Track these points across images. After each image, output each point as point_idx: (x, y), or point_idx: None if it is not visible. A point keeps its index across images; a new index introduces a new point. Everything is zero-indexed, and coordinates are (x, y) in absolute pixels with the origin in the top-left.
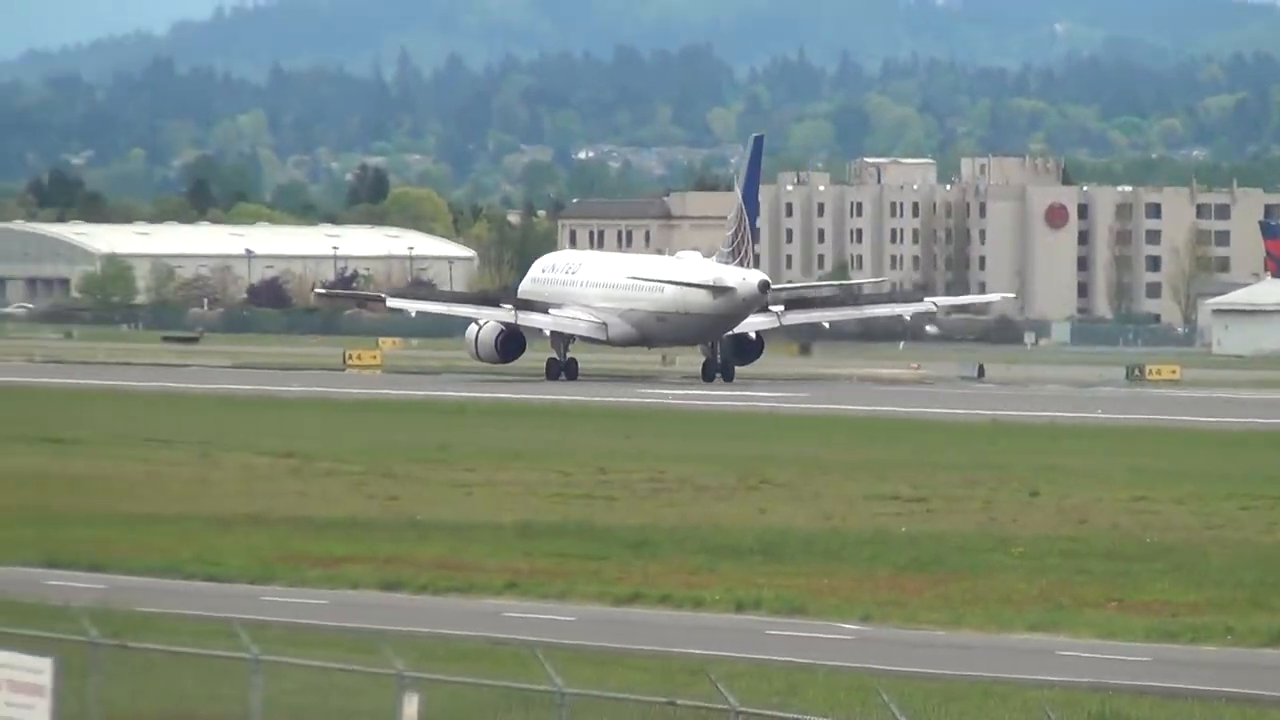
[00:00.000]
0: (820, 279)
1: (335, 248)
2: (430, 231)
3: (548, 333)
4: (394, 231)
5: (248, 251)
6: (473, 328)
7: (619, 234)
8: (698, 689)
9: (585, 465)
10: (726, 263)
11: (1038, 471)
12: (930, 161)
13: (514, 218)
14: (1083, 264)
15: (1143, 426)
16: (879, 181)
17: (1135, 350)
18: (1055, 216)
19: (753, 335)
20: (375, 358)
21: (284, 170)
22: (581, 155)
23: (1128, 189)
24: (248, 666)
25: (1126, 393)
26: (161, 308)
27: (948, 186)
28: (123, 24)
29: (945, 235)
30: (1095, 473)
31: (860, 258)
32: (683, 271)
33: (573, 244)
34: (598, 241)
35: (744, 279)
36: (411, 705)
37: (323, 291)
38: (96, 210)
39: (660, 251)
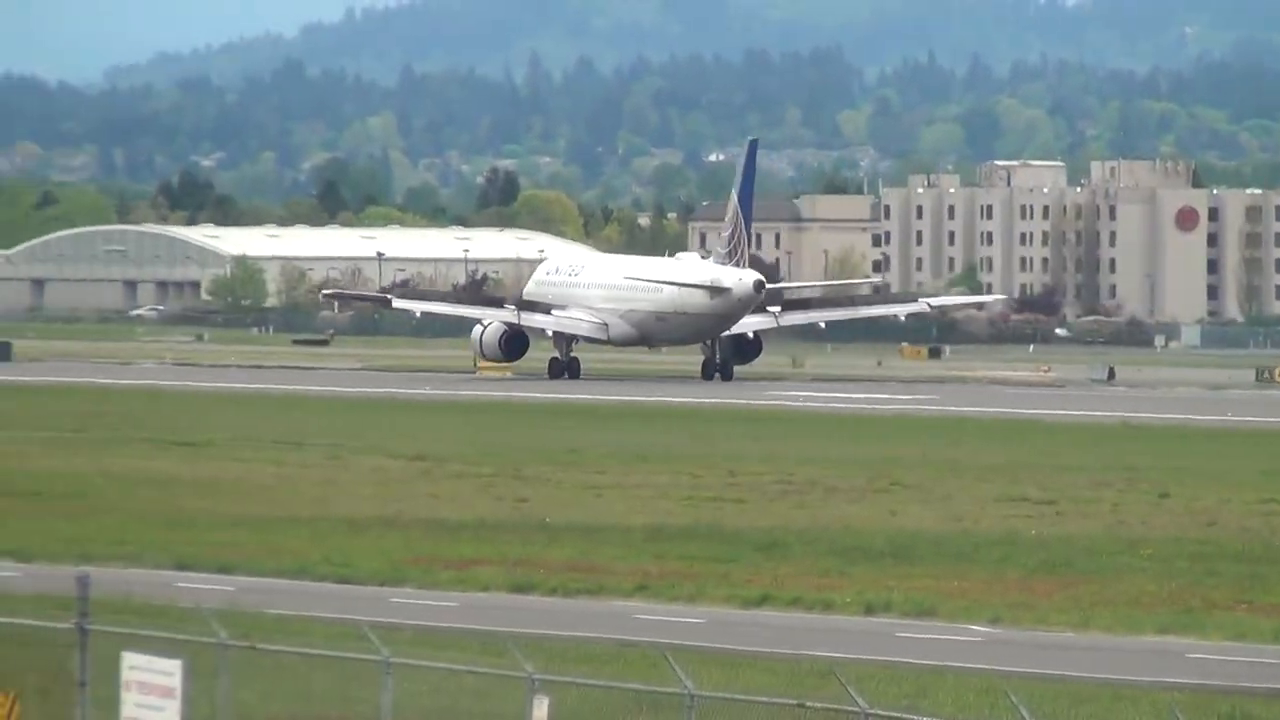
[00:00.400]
0: (950, 282)
1: (465, 250)
2: (560, 234)
3: (550, 333)
4: (524, 234)
5: (378, 254)
6: (478, 328)
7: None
8: (827, 691)
9: (715, 467)
10: (723, 263)
11: (1167, 474)
12: (1060, 164)
13: (644, 220)
14: (1212, 267)
15: (1273, 429)
16: (1009, 184)
17: (1265, 353)
18: (1185, 219)
19: (750, 335)
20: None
21: (415, 173)
22: (711, 158)
23: (1258, 192)
24: (378, 669)
25: (1256, 395)
26: (292, 310)
27: (1077, 189)
28: (253, 26)
29: (1075, 238)
30: (1225, 475)
31: (990, 260)
32: (680, 272)
33: (703, 246)
34: None
35: (739, 279)
36: (541, 708)
37: (329, 293)
38: (227, 213)
39: (790, 254)
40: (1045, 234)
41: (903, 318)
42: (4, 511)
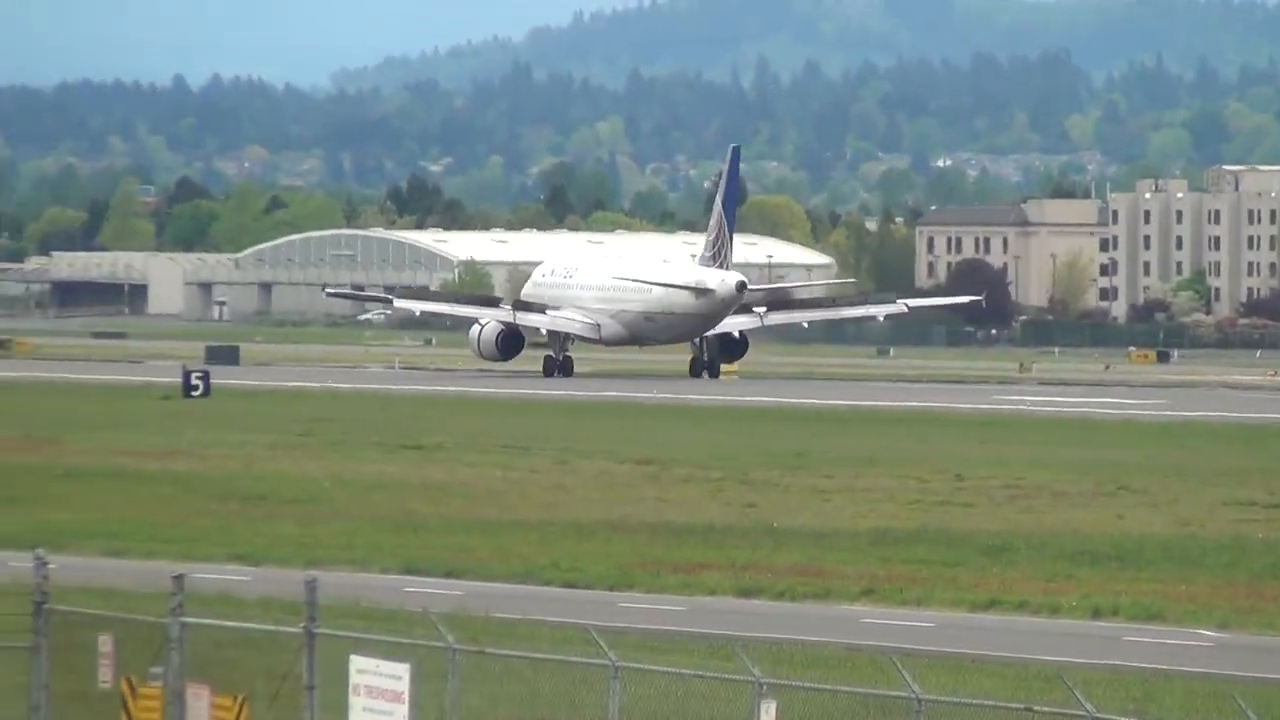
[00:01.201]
0: (1177, 286)
1: (693, 255)
2: (788, 239)
3: (545, 332)
4: (752, 239)
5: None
6: (475, 327)
7: (976, 241)
8: (1054, 695)
9: (943, 471)
10: (707, 265)
11: None
12: None
13: (871, 225)
14: None
15: None
16: (1236, 189)
17: None
18: None
19: (737, 334)
20: (731, 364)
21: (642, 177)
22: (939, 163)
23: None
24: (605, 673)
25: None
26: None
27: None
28: (481, 30)
29: None
30: None
31: (1217, 265)
32: (668, 274)
33: (930, 251)
34: (956, 248)
35: (723, 280)
36: (769, 712)
37: (332, 291)
38: (455, 217)
39: (1017, 259)
40: (1273, 238)
41: (881, 318)
42: (233, 515)
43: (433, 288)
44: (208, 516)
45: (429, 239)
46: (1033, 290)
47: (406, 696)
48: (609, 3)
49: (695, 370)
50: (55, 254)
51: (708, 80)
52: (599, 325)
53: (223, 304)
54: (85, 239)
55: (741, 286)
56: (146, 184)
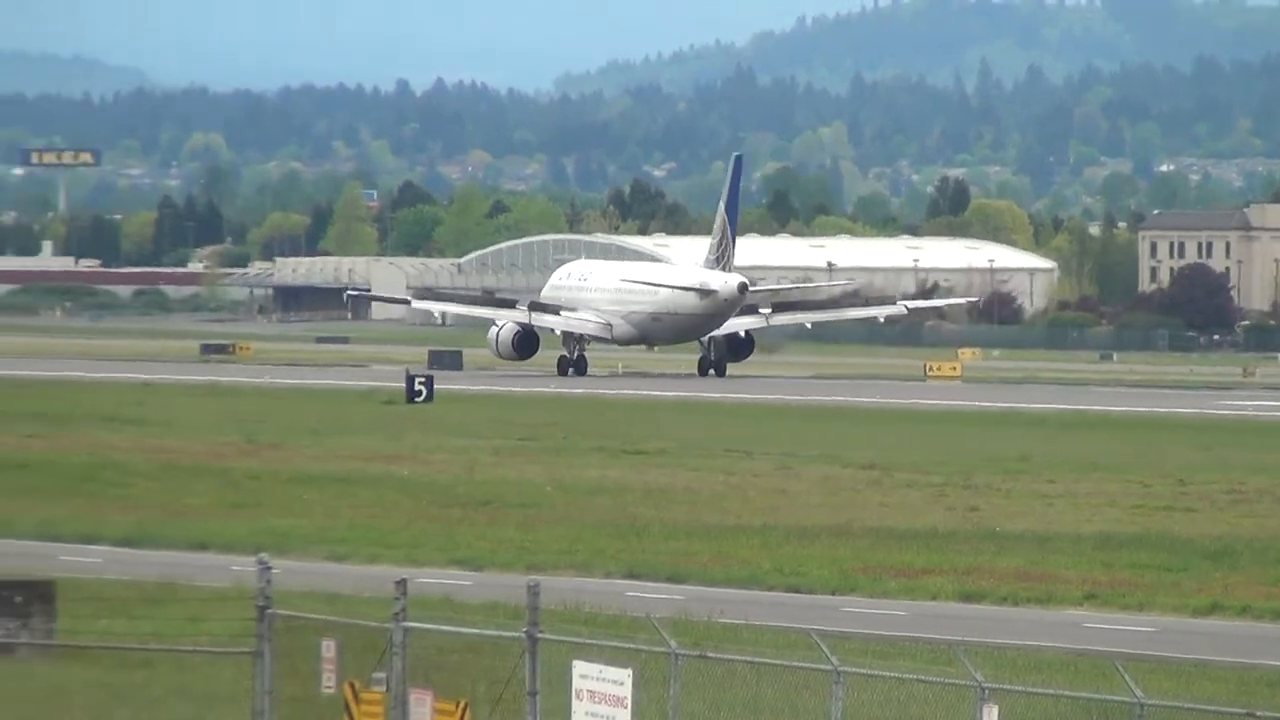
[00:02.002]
0: None
1: (916, 260)
2: (1010, 243)
3: (559, 332)
4: (974, 243)
5: (828, 264)
6: (493, 328)
7: (1199, 245)
8: (1277, 701)
9: (1166, 476)
10: (711, 268)
11: None
12: None
13: (1094, 229)
14: None
15: None
16: None
17: None
18: None
19: (743, 334)
20: (955, 369)
21: (864, 182)
22: (1162, 168)
23: None
24: (828, 677)
25: None
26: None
27: None
28: (703, 35)
29: None
30: None
31: None
32: (674, 276)
33: (1153, 256)
34: (1178, 253)
35: (725, 282)
36: (991, 716)
37: (353, 292)
38: (677, 222)
39: (1240, 264)
40: None
41: (881, 319)
42: (456, 520)
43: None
44: (430, 521)
45: (651, 244)
46: (1255, 295)
47: (628, 701)
48: (832, 7)
49: (703, 369)
50: (279, 259)
51: (930, 84)
52: (611, 325)
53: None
54: (309, 244)
55: (743, 288)
56: (370, 188)
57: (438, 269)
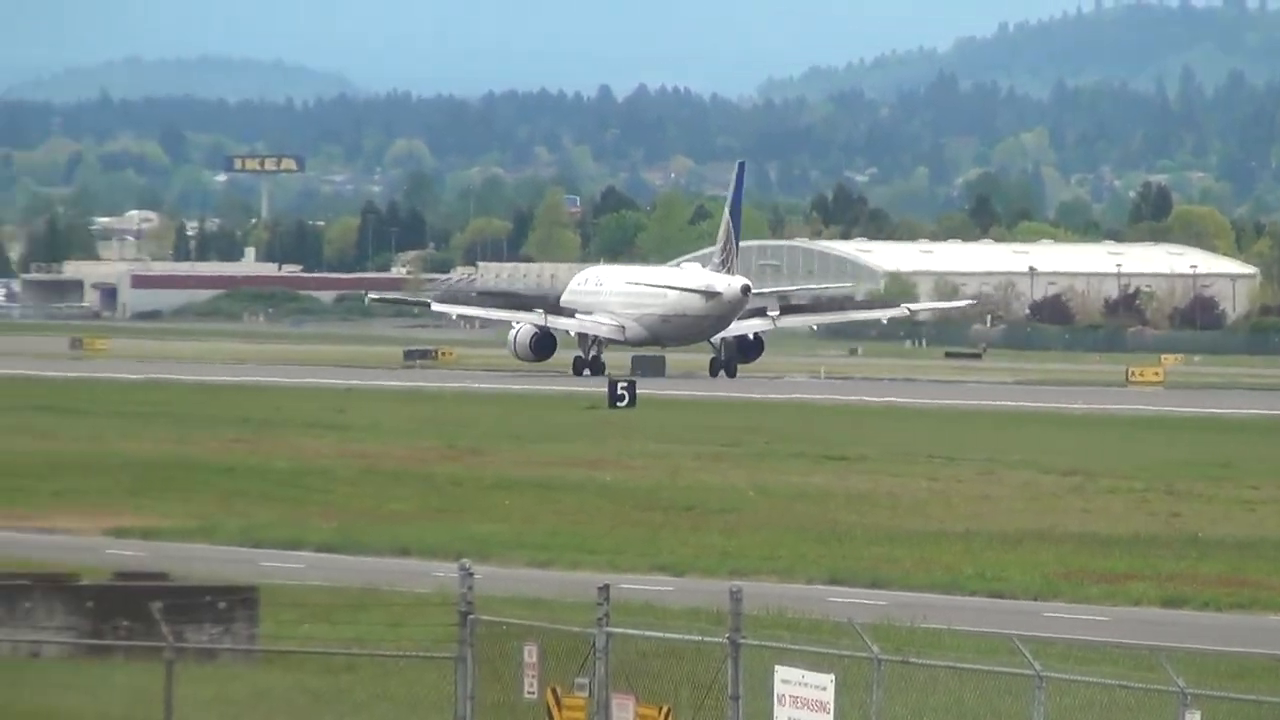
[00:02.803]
0: None
1: (1118, 265)
2: (1212, 249)
3: (574, 334)
4: (1176, 249)
5: (1030, 269)
6: (512, 331)
7: None
8: None
9: None
10: (717, 271)
11: None
12: None
13: None
14: None
15: None
16: None
17: None
18: None
19: (752, 336)
20: (1157, 374)
21: (1067, 187)
22: None
23: None
24: (1030, 683)
25: None
26: (944, 324)
27: None
28: (906, 40)
29: None
30: None
31: None
32: (682, 279)
33: None
34: None
35: (729, 284)
36: None
37: (375, 297)
38: (880, 227)
39: None
40: None
41: (885, 321)
42: (658, 526)
43: (858, 299)
44: (633, 527)
45: (853, 249)
46: None
47: (831, 706)
48: (1034, 13)
49: (714, 370)
50: (481, 264)
51: (1132, 90)
52: (624, 327)
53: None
54: (510, 249)
55: (746, 290)
56: (572, 194)
57: None
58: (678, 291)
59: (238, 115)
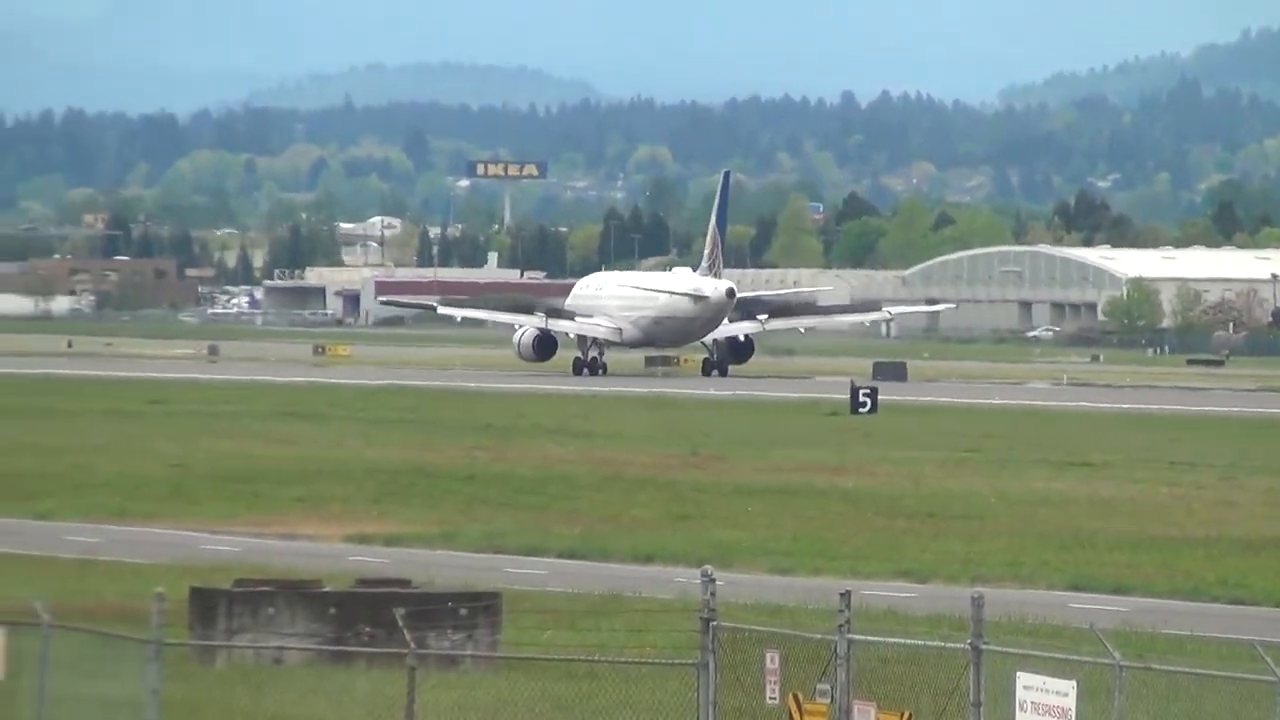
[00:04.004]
0: None
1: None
2: None
3: (573, 335)
4: None
5: (1273, 276)
6: (516, 333)
7: None
8: None
9: None
10: (705, 276)
11: None
12: None
13: None
14: None
15: None
16: None
17: None
18: None
19: (742, 338)
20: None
21: None
22: None
23: None
24: (1274, 689)
25: None
26: (1186, 331)
27: None
28: (1148, 46)
29: None
30: None
31: None
32: (672, 283)
33: None
34: None
35: (715, 288)
36: None
37: (385, 300)
38: (1122, 234)
39: None
40: None
41: (868, 323)
42: (900, 532)
43: (1100, 305)
44: (874, 533)
45: (1096, 256)
46: None
47: (1072, 713)
48: (1277, 19)
49: (706, 370)
50: (726, 271)
51: None
52: (620, 329)
53: (890, 320)
54: (753, 255)
55: (730, 293)
56: (814, 200)
57: (882, 281)
58: (668, 295)
59: (480, 121)
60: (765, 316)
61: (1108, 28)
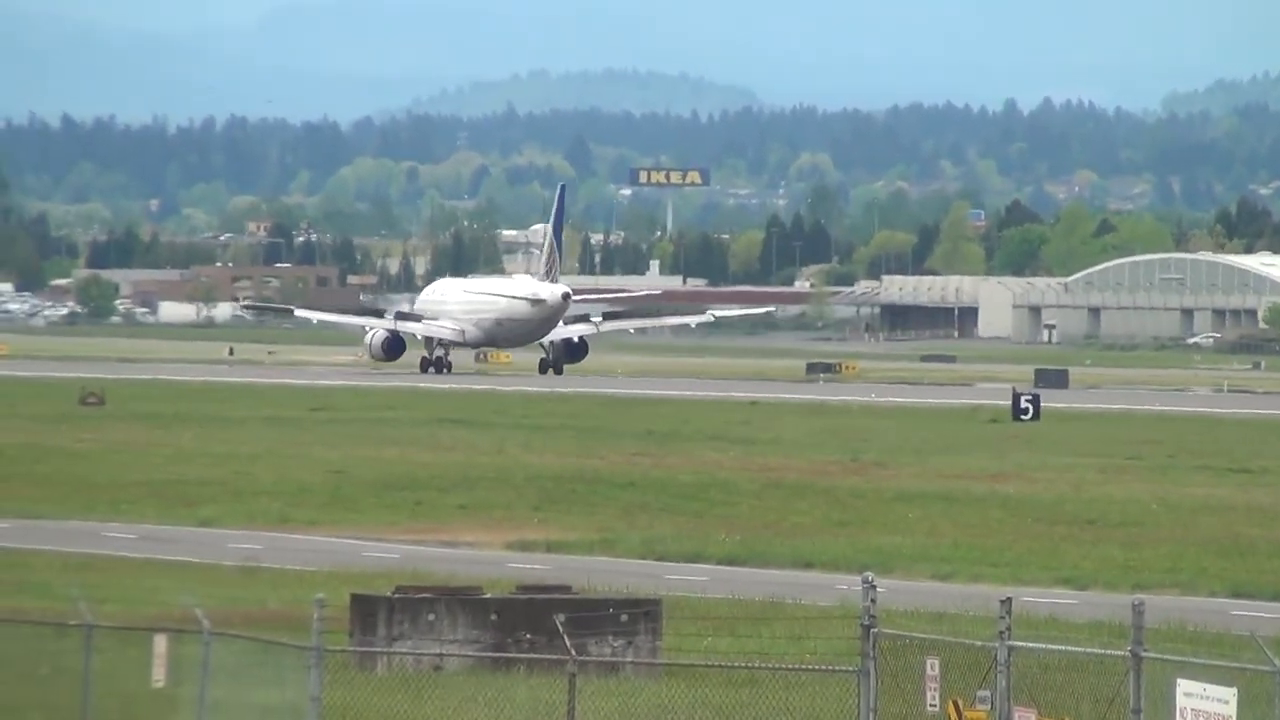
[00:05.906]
0: None
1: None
2: None
3: (420, 337)
4: None
5: None
6: (366, 334)
7: None
8: None
9: None
10: (542, 281)
11: None
12: None
13: None
14: None
15: None
16: None
17: None
18: None
19: (576, 339)
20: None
21: None
22: None
23: None
24: None
25: None
26: None
27: None
28: None
29: None
30: None
31: None
32: (510, 288)
33: None
34: None
35: (552, 292)
36: None
37: (246, 304)
38: None
39: None
40: None
41: (693, 325)
42: (1060, 538)
43: (1261, 311)
44: (1035, 539)
45: (1256, 262)
46: None
47: None
48: None
49: (543, 369)
50: (885, 277)
51: None
52: (464, 331)
53: (1052, 327)
54: (915, 262)
55: (566, 296)
56: (976, 208)
57: (1043, 288)
58: (507, 299)
59: (642, 128)
60: (599, 319)
61: (1269, 35)
